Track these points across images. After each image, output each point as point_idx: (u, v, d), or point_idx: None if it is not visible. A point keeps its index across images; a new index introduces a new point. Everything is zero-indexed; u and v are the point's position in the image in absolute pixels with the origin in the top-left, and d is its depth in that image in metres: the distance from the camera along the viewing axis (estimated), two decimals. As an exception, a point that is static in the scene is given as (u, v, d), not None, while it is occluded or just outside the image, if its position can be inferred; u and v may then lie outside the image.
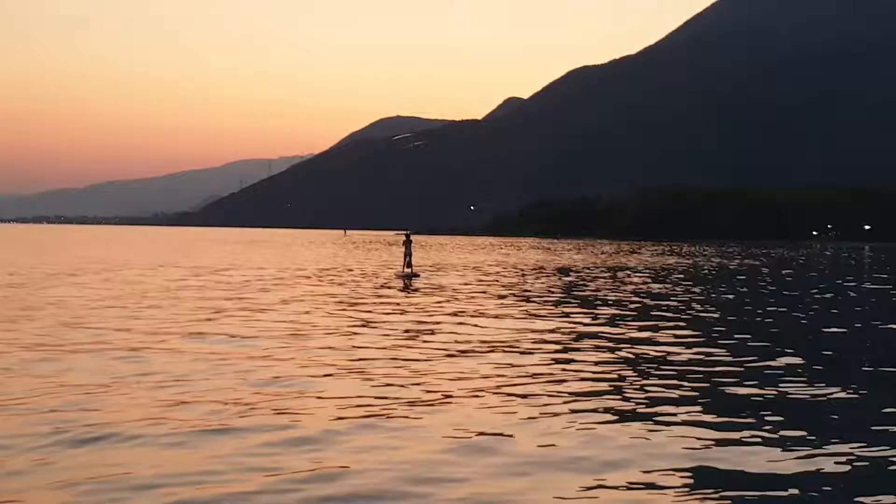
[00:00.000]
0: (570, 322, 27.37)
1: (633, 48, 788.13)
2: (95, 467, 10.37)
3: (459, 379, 17.17)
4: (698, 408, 15.19)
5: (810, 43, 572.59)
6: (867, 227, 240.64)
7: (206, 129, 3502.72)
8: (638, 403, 15.34)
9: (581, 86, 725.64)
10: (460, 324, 26.15)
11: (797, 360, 20.32)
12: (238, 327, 24.64)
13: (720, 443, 12.63)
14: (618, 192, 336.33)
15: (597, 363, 19.53)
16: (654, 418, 14.14)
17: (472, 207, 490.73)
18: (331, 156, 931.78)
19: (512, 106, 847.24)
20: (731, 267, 75.12)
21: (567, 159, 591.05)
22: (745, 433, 13.35)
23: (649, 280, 51.65)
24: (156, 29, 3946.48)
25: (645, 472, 10.97)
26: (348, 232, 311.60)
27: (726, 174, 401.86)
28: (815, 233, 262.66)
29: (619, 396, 16.23)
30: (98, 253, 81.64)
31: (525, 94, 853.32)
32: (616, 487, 10.21)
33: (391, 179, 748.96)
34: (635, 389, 16.88)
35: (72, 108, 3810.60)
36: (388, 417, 13.95)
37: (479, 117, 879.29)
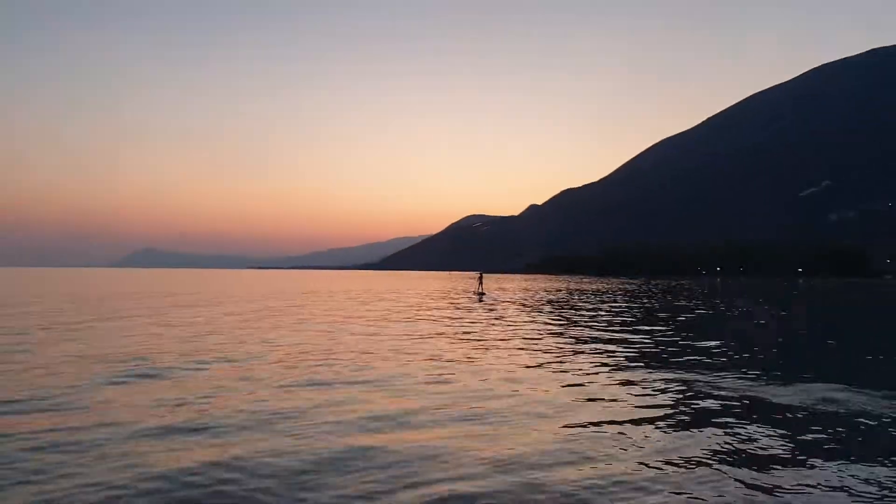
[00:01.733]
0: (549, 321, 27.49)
1: (596, 177, 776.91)
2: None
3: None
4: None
5: (708, 162, 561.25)
6: (741, 268, 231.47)
7: (383, 219, 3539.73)
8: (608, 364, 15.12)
9: (569, 197, 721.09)
10: (501, 322, 26.69)
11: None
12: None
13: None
14: (592, 251, 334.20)
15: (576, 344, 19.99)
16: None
17: (519, 255, 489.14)
18: (443, 234, 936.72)
19: (533, 208, 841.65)
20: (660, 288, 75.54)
21: (563, 234, 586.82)
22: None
23: (609, 296, 52.33)
24: (350, 165, 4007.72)
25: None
26: (452, 273, 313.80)
27: (646, 243, 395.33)
28: (704, 272, 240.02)
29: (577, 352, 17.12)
30: (395, 284, 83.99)
31: (540, 201, 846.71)
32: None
33: (473, 246, 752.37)
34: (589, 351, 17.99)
35: (307, 204, 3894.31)
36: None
37: (517, 213, 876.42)
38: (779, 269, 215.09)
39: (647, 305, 35.54)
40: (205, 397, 9.05)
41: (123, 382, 10.10)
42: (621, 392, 9.88)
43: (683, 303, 39.03)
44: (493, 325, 21.26)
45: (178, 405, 8.53)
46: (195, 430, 7.32)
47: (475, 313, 27.13)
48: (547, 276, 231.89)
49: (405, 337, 16.92)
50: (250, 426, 7.51)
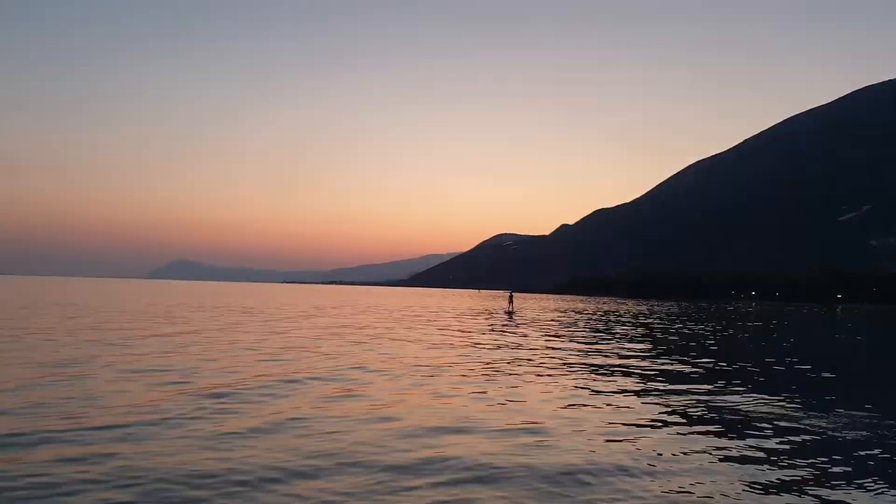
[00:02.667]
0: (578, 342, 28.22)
1: (629, 198, 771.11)
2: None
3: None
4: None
5: (744, 184, 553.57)
6: (777, 293, 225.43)
7: (413, 235, 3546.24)
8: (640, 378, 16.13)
9: (602, 217, 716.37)
10: (528, 338, 27.38)
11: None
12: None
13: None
14: (623, 272, 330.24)
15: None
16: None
17: (549, 275, 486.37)
18: (473, 252, 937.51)
19: (564, 228, 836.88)
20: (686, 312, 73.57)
21: (593, 255, 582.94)
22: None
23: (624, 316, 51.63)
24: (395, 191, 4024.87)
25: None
26: (481, 291, 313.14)
27: (677, 265, 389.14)
28: (742, 295, 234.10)
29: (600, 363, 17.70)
30: (435, 301, 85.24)
31: (571, 221, 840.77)
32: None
33: (501, 264, 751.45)
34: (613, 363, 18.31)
35: (337, 220, 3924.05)
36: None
37: (547, 233, 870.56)
38: (816, 295, 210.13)
39: (710, 331, 35.18)
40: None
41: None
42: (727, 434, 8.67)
43: (742, 328, 38.56)
44: (537, 347, 20.84)
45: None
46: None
47: (511, 334, 27.30)
48: (576, 296, 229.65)
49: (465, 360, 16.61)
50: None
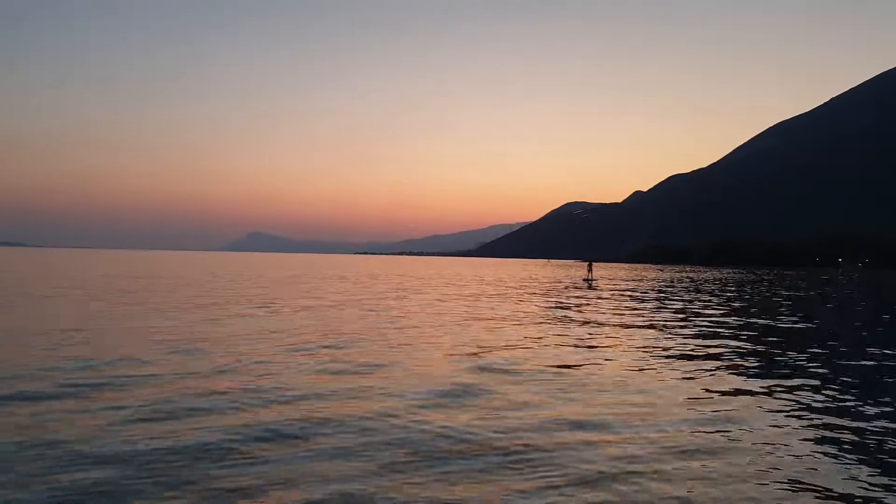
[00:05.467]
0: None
1: (704, 163, 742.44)
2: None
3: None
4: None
5: (829, 146, 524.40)
6: (867, 259, 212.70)
7: (480, 205, 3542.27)
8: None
9: (676, 184, 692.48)
10: (605, 301, 27.86)
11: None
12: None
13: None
14: (698, 243, 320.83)
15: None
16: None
17: (622, 244, 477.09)
18: (541, 222, 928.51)
19: (637, 195, 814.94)
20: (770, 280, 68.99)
21: (668, 224, 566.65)
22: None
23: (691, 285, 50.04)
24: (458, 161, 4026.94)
25: None
26: (551, 260, 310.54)
27: (755, 232, 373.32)
28: (839, 260, 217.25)
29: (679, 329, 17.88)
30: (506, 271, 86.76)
31: (645, 188, 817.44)
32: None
33: (571, 233, 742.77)
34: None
35: (406, 191, 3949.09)
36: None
37: (619, 200, 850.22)
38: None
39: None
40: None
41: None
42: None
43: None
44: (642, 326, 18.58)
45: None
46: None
47: (597, 306, 27.71)
48: (651, 265, 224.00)
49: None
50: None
